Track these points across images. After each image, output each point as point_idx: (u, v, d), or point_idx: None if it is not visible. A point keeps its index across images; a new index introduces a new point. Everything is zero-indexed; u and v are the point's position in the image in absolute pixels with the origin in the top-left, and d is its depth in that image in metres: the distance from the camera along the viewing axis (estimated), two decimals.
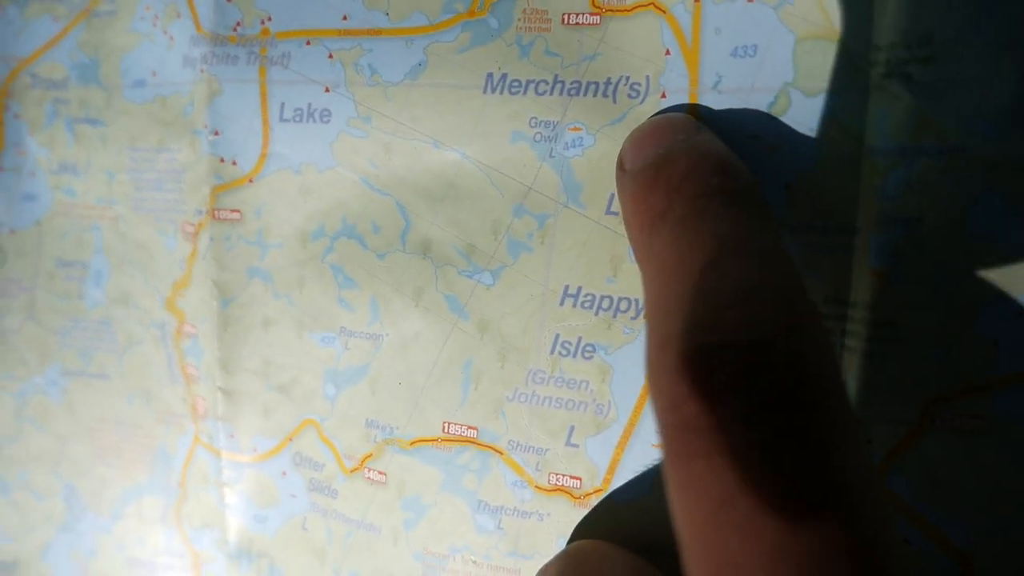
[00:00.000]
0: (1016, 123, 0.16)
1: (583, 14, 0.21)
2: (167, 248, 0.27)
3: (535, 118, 0.22)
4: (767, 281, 0.14)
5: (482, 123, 0.22)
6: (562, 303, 0.22)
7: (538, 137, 0.22)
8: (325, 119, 0.24)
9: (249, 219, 0.25)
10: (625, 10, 0.21)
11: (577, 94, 0.21)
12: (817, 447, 0.13)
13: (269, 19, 0.24)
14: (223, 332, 0.26)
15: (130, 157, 0.27)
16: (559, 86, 0.21)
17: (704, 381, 0.13)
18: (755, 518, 0.12)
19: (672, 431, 0.14)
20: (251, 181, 0.25)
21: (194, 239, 0.26)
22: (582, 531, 0.22)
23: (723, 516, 0.13)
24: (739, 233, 0.15)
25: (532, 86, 0.22)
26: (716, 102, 0.20)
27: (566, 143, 0.21)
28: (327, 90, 0.23)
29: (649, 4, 0.21)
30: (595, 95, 0.21)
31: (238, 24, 0.24)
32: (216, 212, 0.25)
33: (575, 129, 0.21)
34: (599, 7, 0.21)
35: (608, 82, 0.21)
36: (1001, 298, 0.17)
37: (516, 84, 0.22)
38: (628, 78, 0.21)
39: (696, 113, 0.20)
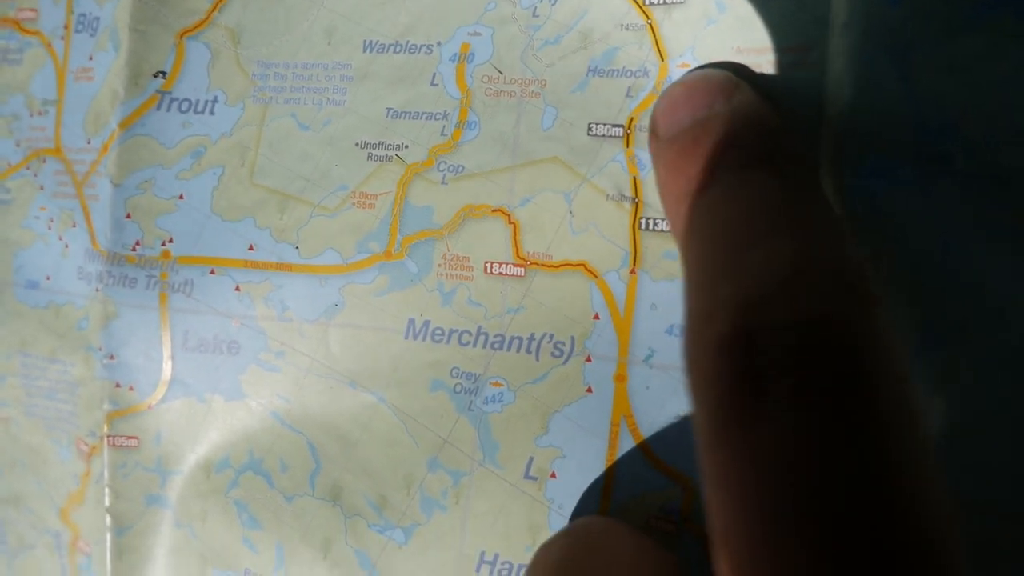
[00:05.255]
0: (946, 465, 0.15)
1: (506, 264, 0.20)
2: (61, 458, 0.25)
3: (457, 368, 0.20)
4: (820, 256, 0.13)
5: (402, 368, 0.21)
6: (478, 570, 0.20)
7: (458, 388, 0.20)
8: (234, 351, 0.22)
9: (148, 446, 0.23)
10: (552, 266, 0.20)
11: (500, 348, 0.20)
12: (873, 440, 0.11)
13: (170, 241, 0.22)
14: (117, 561, 0.24)
15: (21, 363, 0.25)
16: (483, 338, 0.20)
17: (749, 361, 0.12)
18: (799, 517, 0.11)
19: (708, 412, 0.12)
20: (150, 407, 0.23)
21: (88, 460, 0.24)
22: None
23: (763, 509, 0.11)
24: (789, 204, 0.14)
25: (456, 335, 0.20)
26: (645, 377, 0.19)
27: (486, 397, 0.20)
28: (236, 323, 0.22)
29: (579, 265, 0.19)
30: (518, 350, 0.20)
31: (137, 243, 0.22)
32: (111, 439, 0.23)
33: (496, 384, 0.20)
34: (524, 259, 0.20)
35: (532, 338, 0.20)
36: None
37: (439, 332, 0.20)
38: (552, 336, 0.20)
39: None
